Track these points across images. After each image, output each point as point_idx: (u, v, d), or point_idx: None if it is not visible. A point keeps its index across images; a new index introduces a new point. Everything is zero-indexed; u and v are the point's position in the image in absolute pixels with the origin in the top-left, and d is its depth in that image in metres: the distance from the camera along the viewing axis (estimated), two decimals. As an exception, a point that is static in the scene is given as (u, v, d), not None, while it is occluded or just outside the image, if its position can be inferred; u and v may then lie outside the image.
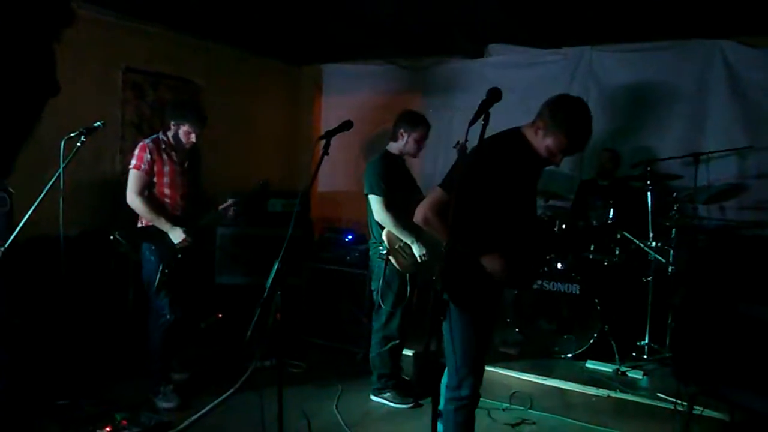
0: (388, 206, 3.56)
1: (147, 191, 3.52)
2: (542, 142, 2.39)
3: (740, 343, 3.35)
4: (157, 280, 3.46)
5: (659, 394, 3.58)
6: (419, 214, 2.45)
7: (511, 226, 2.47)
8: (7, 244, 3.03)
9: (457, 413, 2.70)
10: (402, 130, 3.69)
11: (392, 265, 3.62)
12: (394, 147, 3.76)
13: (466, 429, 2.77)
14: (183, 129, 3.56)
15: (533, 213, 2.70)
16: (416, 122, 3.68)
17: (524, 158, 2.44)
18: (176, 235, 3.50)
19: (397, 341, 3.78)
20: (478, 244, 2.42)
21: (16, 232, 3.03)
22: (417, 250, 3.57)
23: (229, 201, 3.77)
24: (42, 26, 0.90)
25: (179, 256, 3.53)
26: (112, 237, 3.41)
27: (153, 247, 3.52)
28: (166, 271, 3.47)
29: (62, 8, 0.94)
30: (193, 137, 3.59)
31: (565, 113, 2.36)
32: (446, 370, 2.77)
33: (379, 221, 3.62)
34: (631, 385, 3.75)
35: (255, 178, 4.02)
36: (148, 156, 3.49)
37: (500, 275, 2.43)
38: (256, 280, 4.50)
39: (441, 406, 2.73)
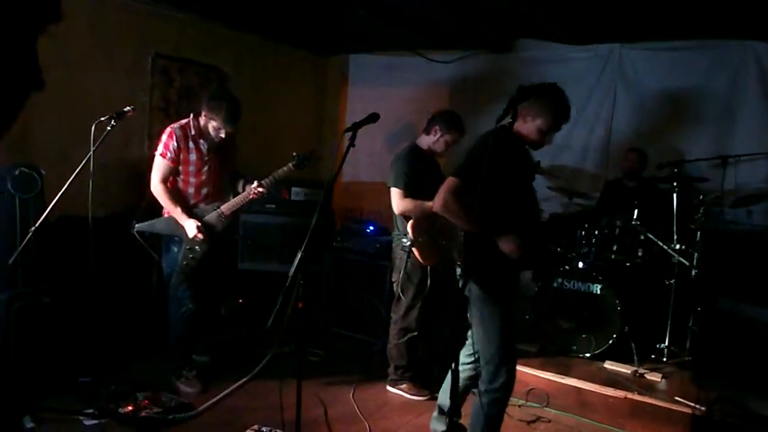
0: (408, 197, 3.56)
1: (171, 179, 3.54)
2: (532, 125, 2.66)
3: (760, 349, 3.32)
4: (176, 274, 3.48)
5: (677, 398, 3.55)
6: (438, 201, 2.63)
7: (518, 210, 2.68)
8: (38, 223, 3.12)
9: (490, 405, 2.75)
10: (437, 127, 3.67)
11: (414, 257, 3.63)
12: (424, 141, 3.74)
13: (497, 422, 2.84)
14: (213, 124, 3.50)
15: (534, 199, 2.95)
16: (454, 126, 3.66)
17: (518, 147, 2.71)
18: (189, 229, 3.47)
19: (415, 333, 3.80)
20: (493, 227, 2.59)
21: (46, 213, 3.11)
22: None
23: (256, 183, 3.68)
24: (28, 21, 0.92)
25: (197, 248, 3.52)
26: (130, 230, 3.44)
27: (176, 238, 3.54)
28: (185, 263, 3.49)
29: (51, 4, 0.96)
30: (222, 133, 3.51)
31: (547, 97, 2.66)
32: (465, 362, 2.82)
33: (400, 213, 3.63)
34: (649, 388, 3.72)
35: (280, 166, 4.01)
36: (175, 144, 3.49)
37: (516, 255, 2.59)
38: (278, 267, 4.58)
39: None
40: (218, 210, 3.62)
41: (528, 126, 2.69)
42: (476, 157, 2.56)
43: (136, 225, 3.50)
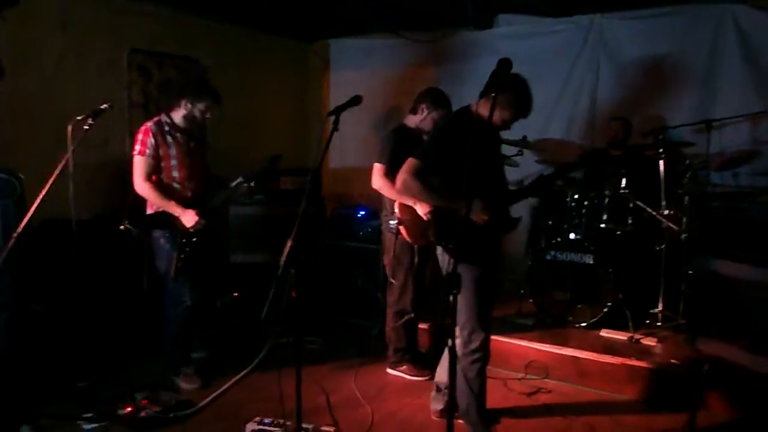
0: (389, 174, 3.52)
1: (155, 176, 3.47)
2: (498, 116, 2.78)
3: (748, 306, 3.36)
4: (173, 268, 3.44)
5: (673, 360, 3.60)
6: (398, 181, 2.82)
7: (481, 183, 2.70)
8: (20, 229, 3.06)
9: (469, 368, 2.87)
10: (424, 106, 3.64)
11: (403, 238, 3.62)
12: (411, 120, 3.72)
13: (478, 384, 2.93)
14: (199, 107, 3.52)
15: (499, 171, 3.12)
16: (440, 103, 3.63)
17: (475, 128, 2.78)
18: (189, 219, 3.44)
19: (412, 315, 3.80)
20: (456, 197, 2.72)
21: (27, 217, 3.05)
22: (420, 210, 3.45)
23: (240, 178, 3.74)
24: None
25: (194, 239, 3.49)
26: (122, 227, 3.38)
27: (167, 234, 3.49)
28: (182, 256, 3.45)
29: None
30: (208, 114, 3.57)
31: (512, 92, 2.78)
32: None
33: (376, 188, 3.63)
34: (645, 352, 3.76)
35: (266, 156, 4.00)
36: (153, 140, 3.43)
37: (482, 219, 2.75)
38: (271, 259, 4.56)
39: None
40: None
41: (494, 115, 2.74)
42: (434, 139, 2.92)
43: (126, 222, 3.44)
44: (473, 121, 2.79)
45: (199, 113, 3.54)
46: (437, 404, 3.25)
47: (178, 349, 3.68)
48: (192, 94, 3.53)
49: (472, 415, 2.94)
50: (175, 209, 3.45)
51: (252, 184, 3.70)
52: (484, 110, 2.74)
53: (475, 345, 2.86)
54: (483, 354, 2.91)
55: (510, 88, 2.74)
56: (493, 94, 2.68)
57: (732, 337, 3.49)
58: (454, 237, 2.79)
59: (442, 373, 3.15)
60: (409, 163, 2.80)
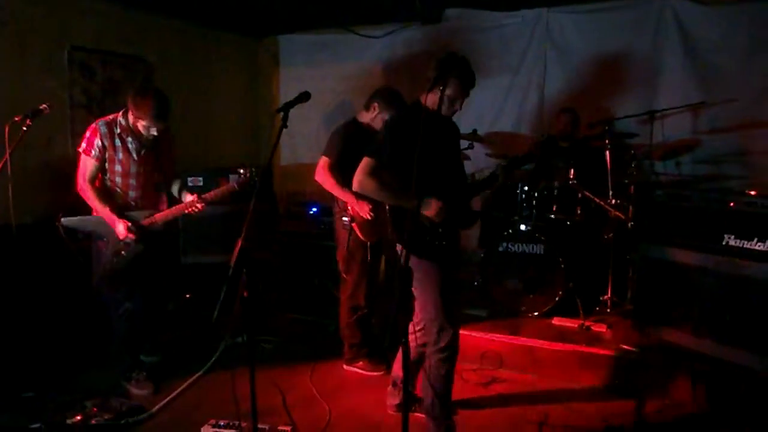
0: (333, 168, 3.55)
1: (99, 177, 3.36)
2: (444, 95, 2.68)
3: (692, 291, 3.49)
4: (101, 276, 3.32)
5: (622, 346, 3.71)
6: (354, 182, 2.79)
7: (437, 178, 2.72)
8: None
9: (439, 366, 2.85)
10: (376, 104, 3.64)
11: (356, 234, 3.62)
12: (364, 116, 3.71)
13: (448, 382, 2.93)
14: (141, 123, 3.29)
15: (457, 164, 3.08)
16: (392, 103, 3.61)
17: (429, 119, 2.67)
18: (119, 230, 3.29)
19: (366, 310, 3.81)
20: (411, 194, 2.64)
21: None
22: (360, 209, 3.53)
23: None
24: None
25: (123, 253, 3.35)
26: (56, 224, 3.26)
27: (105, 239, 3.37)
28: (109, 267, 3.33)
29: None
30: (153, 131, 3.31)
31: (450, 64, 2.72)
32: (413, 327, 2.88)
33: (318, 181, 3.62)
34: (595, 339, 3.87)
35: (216, 156, 3.93)
36: (100, 142, 3.29)
37: (438, 217, 2.70)
38: (224, 259, 4.49)
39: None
40: (152, 218, 3.44)
41: (441, 96, 2.70)
42: (386, 135, 2.84)
43: (63, 219, 3.31)
44: (425, 115, 2.73)
45: (143, 128, 3.31)
46: (393, 398, 3.27)
47: (126, 353, 3.59)
48: (135, 107, 3.27)
49: (436, 411, 2.93)
50: (108, 217, 3.30)
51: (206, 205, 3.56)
52: (430, 101, 2.73)
53: (444, 343, 2.81)
54: (451, 352, 2.86)
55: (446, 63, 2.72)
56: (440, 87, 2.67)
57: (677, 320, 3.61)
58: (414, 234, 2.73)
59: (398, 368, 3.17)
60: (364, 162, 2.77)
